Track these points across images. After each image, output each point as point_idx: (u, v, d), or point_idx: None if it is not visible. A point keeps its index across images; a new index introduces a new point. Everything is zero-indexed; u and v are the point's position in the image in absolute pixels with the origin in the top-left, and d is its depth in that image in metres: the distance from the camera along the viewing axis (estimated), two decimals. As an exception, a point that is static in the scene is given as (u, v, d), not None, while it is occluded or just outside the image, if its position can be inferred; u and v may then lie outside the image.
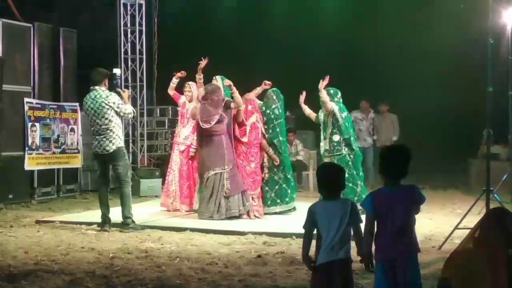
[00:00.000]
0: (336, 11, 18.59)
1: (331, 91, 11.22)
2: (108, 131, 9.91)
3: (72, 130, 14.21)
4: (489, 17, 9.95)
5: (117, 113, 9.96)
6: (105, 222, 10.05)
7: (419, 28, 17.72)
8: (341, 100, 11.27)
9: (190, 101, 11.79)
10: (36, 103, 13.40)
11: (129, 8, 16.17)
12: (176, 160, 11.87)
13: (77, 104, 14.39)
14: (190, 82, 11.84)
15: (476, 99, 11.35)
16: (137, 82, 16.15)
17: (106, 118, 9.89)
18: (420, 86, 18.19)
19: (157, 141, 16.95)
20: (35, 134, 13.24)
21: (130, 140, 16.11)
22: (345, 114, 11.21)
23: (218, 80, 11.29)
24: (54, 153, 13.71)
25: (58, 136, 13.83)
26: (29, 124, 13.12)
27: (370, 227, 5.26)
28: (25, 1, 16.08)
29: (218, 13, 19.51)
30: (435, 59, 17.78)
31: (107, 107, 9.86)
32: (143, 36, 16.22)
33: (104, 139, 9.91)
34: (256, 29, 18.95)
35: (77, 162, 14.38)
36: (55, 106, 13.87)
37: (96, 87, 9.99)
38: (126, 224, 9.93)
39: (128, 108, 10.10)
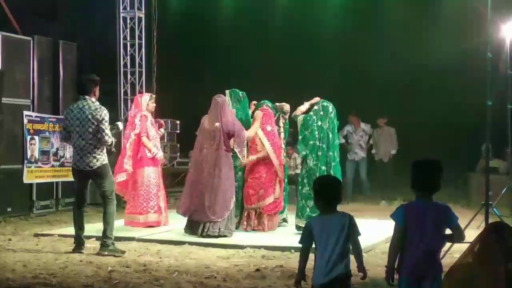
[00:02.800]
0: (337, 25, 18.61)
1: (324, 103, 10.97)
2: (92, 146, 9.08)
3: (71, 143, 14.18)
4: (487, 31, 9.98)
5: (99, 129, 9.04)
6: (81, 244, 9.33)
7: (418, 42, 17.73)
8: (324, 114, 10.97)
9: None
10: (36, 116, 13.41)
11: (128, 21, 16.21)
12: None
13: (76, 117, 14.37)
14: None
15: (476, 113, 11.36)
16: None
17: (91, 133, 9.03)
18: (419, 99, 18.20)
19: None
20: (34, 147, 13.24)
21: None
22: (308, 131, 10.92)
23: (227, 95, 11.28)
24: (53, 166, 13.69)
25: (57, 149, 13.82)
26: (28, 137, 13.13)
27: (397, 240, 5.19)
28: (25, 14, 16.09)
29: (218, 26, 19.54)
30: (434, 73, 17.81)
31: (93, 120, 9.02)
32: (143, 49, 16.25)
33: (88, 155, 9.06)
34: (255, 43, 18.98)
35: (76, 175, 14.33)
36: (55, 119, 13.86)
37: (86, 97, 9.14)
38: (105, 245, 9.12)
39: (111, 137, 9.17)
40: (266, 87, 15.33)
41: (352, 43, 18.66)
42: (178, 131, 17.13)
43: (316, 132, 10.64)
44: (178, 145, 17.17)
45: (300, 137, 10.77)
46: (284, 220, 11.60)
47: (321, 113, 10.74)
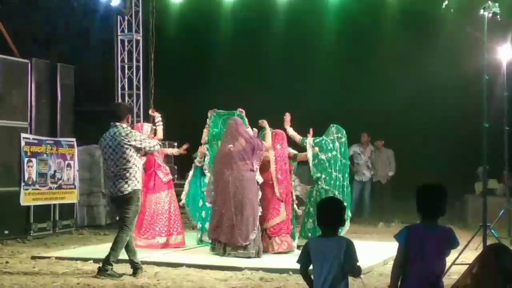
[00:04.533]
0: (333, 48, 18.68)
1: (334, 127, 11.26)
2: (125, 172, 9.12)
3: (68, 165, 14.20)
4: (484, 54, 10.04)
5: (138, 151, 9.28)
6: (137, 268, 9.26)
7: (415, 65, 17.80)
8: (330, 139, 11.17)
9: None
10: (33, 139, 13.41)
11: (126, 44, 16.28)
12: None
13: (73, 139, 14.43)
14: None
15: (473, 134, 11.40)
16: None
17: (124, 158, 9.11)
18: (416, 121, 18.25)
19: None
20: (31, 170, 13.23)
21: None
22: (326, 155, 11.10)
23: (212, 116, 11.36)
24: (50, 188, 13.68)
25: (55, 171, 13.82)
26: (26, 160, 13.12)
27: (400, 260, 5.21)
28: (23, 37, 16.16)
29: (214, 49, 19.60)
30: (431, 95, 17.87)
31: (126, 146, 9.10)
32: (140, 72, 16.30)
33: (120, 180, 9.11)
34: (252, 66, 19.01)
35: (73, 198, 14.34)
36: (52, 142, 13.87)
37: (117, 124, 9.23)
38: (104, 270, 9.08)
39: (152, 142, 9.50)
40: (262, 109, 15.32)
41: (349, 66, 18.73)
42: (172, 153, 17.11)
43: (331, 157, 10.92)
44: (176, 167, 17.15)
45: (315, 161, 10.90)
46: None
47: (334, 136, 11.01)
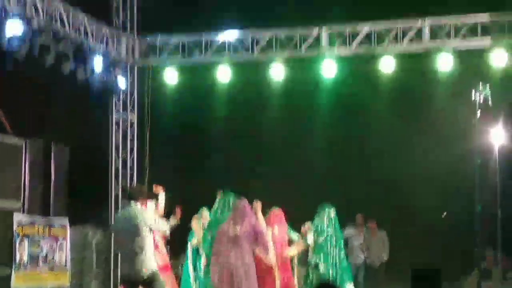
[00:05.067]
0: (326, 133, 18.76)
1: (326, 209, 11.27)
2: (141, 252, 8.93)
3: (60, 246, 14.09)
4: (476, 138, 10.13)
5: (151, 231, 9.16)
6: None
7: (408, 145, 17.87)
8: (324, 218, 11.20)
9: None
10: (25, 220, 13.34)
11: (121, 123, 16.35)
12: None
13: (66, 219, 14.36)
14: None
15: (466, 218, 11.41)
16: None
17: (140, 238, 8.95)
18: (410, 203, 18.19)
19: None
20: (23, 251, 13.11)
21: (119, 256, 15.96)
22: (323, 237, 11.11)
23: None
24: (42, 270, 13.53)
25: (47, 252, 13.70)
26: (17, 240, 13.02)
27: None
28: (18, 117, 16.23)
29: (211, 129, 19.63)
30: (424, 177, 17.84)
31: (142, 226, 8.96)
32: (135, 151, 16.34)
33: (137, 262, 8.91)
34: (248, 145, 19.03)
35: (65, 280, 14.17)
36: (44, 222, 13.79)
37: (132, 202, 9.19)
38: None
39: (164, 225, 9.52)
40: (258, 189, 15.33)
41: (343, 145, 18.77)
42: (169, 234, 17.01)
43: (328, 239, 10.96)
44: (168, 247, 17.03)
45: (313, 246, 10.89)
46: None
47: (325, 215, 11.03)
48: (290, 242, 11.47)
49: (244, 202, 10.56)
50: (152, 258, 9.10)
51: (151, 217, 9.20)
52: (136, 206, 9.12)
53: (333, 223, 11.26)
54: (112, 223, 9.37)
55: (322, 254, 10.98)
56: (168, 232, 9.73)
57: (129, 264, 9.01)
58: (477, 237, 10.03)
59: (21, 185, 13.58)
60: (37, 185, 14.01)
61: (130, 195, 9.36)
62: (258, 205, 10.98)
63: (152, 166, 16.73)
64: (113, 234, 9.43)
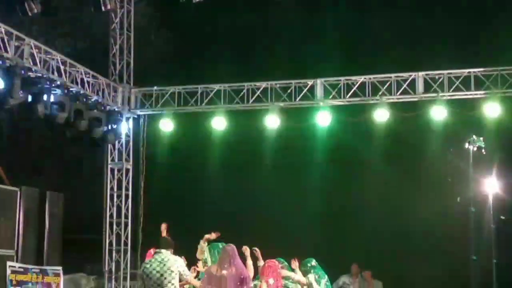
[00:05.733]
0: (322, 179, 18.80)
1: (311, 263, 11.31)
2: None
3: (54, 294, 14.01)
4: (470, 186, 10.19)
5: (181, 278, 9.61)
6: None
7: (401, 195, 17.91)
8: (316, 265, 11.25)
9: None
10: (19, 267, 13.28)
11: (116, 172, 16.37)
12: None
13: (60, 268, 14.29)
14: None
15: (461, 267, 11.39)
16: (121, 246, 16.08)
17: (173, 284, 9.41)
18: (404, 253, 18.16)
19: (140, 306, 16.67)
20: (16, 299, 13.03)
21: (113, 305, 15.89)
22: (324, 280, 11.18)
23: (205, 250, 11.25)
24: (34, 319, 13.44)
25: (40, 301, 13.62)
26: (11, 288, 12.95)
27: None
28: (13, 163, 16.29)
29: (205, 177, 19.69)
30: (418, 228, 17.84)
31: (176, 271, 9.45)
32: (129, 200, 16.33)
33: None
34: (244, 193, 19.04)
35: (58, 328, 14.08)
36: (38, 270, 13.72)
37: (163, 251, 9.61)
38: None
39: (190, 272, 10.02)
40: (252, 236, 15.27)
41: (339, 194, 18.82)
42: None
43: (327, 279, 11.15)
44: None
45: None
46: None
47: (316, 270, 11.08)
48: None
49: (232, 246, 10.60)
50: None
51: (184, 265, 9.70)
52: (167, 252, 9.56)
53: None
54: (145, 266, 9.50)
55: None
56: (189, 279, 10.05)
57: None
58: (473, 286, 9.99)
59: (15, 233, 13.54)
60: (31, 233, 13.97)
61: (162, 244, 9.73)
62: (246, 251, 10.96)
63: (147, 214, 16.71)
64: (143, 277, 9.47)
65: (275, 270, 11.08)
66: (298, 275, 11.09)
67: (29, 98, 12.82)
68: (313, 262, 11.35)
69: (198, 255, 11.59)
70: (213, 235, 11.58)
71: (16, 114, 13.30)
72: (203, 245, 11.52)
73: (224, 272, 10.17)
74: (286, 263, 11.35)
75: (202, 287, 10.46)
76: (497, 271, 11.46)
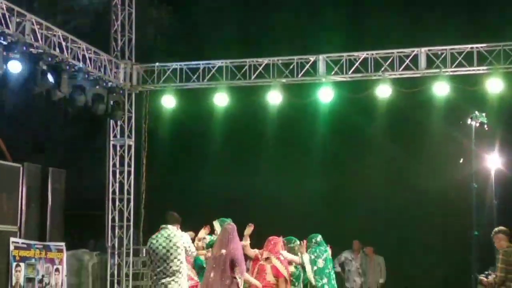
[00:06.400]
0: (324, 154, 18.81)
1: (317, 238, 11.26)
2: (178, 273, 9.28)
3: (56, 270, 14.06)
4: (472, 162, 10.18)
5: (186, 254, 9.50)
6: None
7: (404, 171, 17.94)
8: (320, 241, 11.19)
9: None
10: (22, 243, 13.32)
11: (118, 149, 16.38)
12: None
13: (63, 243, 14.34)
14: None
15: (463, 242, 11.41)
16: (124, 222, 16.13)
17: (179, 260, 9.29)
18: (406, 228, 18.21)
19: (143, 282, 16.72)
20: (19, 274, 13.07)
21: (116, 281, 15.92)
22: (323, 256, 11.10)
23: (217, 225, 11.18)
24: (37, 294, 13.51)
25: (43, 276, 13.67)
26: (14, 264, 12.99)
27: None
28: (16, 140, 16.30)
29: (207, 153, 19.71)
30: (420, 203, 17.89)
31: (182, 247, 9.33)
32: (132, 176, 16.35)
33: (173, 282, 9.24)
34: (245, 168, 19.06)
35: (60, 303, 14.17)
36: (41, 246, 13.77)
37: (169, 226, 9.49)
38: None
39: (194, 248, 9.88)
40: (253, 212, 15.32)
41: (340, 170, 18.84)
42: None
43: (326, 258, 11.05)
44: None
45: (315, 268, 10.81)
46: None
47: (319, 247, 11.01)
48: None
49: (232, 225, 10.54)
50: (185, 278, 9.40)
51: (190, 241, 9.54)
52: (173, 228, 9.45)
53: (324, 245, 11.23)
54: (152, 241, 9.43)
55: (325, 277, 10.94)
56: (194, 254, 9.97)
57: (165, 285, 9.27)
58: (474, 261, 10.03)
59: (18, 209, 13.57)
60: (34, 209, 14.00)
61: (168, 220, 9.57)
62: (250, 228, 10.95)
63: (149, 191, 16.75)
64: (149, 253, 9.42)
65: (276, 244, 11.06)
66: (290, 255, 11.05)
67: (32, 75, 12.78)
68: (318, 238, 11.31)
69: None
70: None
71: (18, 91, 13.26)
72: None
73: (223, 251, 10.16)
74: (298, 242, 11.34)
75: (208, 270, 10.26)
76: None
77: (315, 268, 11.02)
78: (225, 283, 10.06)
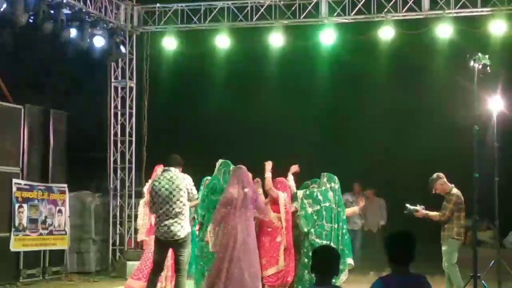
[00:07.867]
0: (326, 97, 18.75)
1: (324, 179, 11.06)
2: (181, 215, 9.39)
3: (59, 211, 14.18)
4: (474, 104, 10.15)
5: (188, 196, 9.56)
6: None
7: (406, 113, 17.91)
8: (322, 190, 10.96)
9: None
10: (25, 184, 13.40)
11: (119, 91, 16.35)
12: None
13: (65, 185, 14.43)
14: None
15: (463, 185, 11.43)
16: (126, 164, 16.18)
17: (181, 202, 9.40)
18: (408, 171, 18.26)
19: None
20: (22, 215, 13.19)
21: (118, 222, 16.04)
22: (313, 208, 10.83)
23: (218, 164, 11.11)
24: (41, 234, 13.63)
25: (46, 217, 13.79)
26: (17, 205, 13.09)
27: None
28: (17, 82, 16.24)
29: (209, 97, 19.65)
30: (422, 144, 17.90)
31: (184, 189, 9.43)
32: (133, 118, 16.35)
33: (176, 224, 9.35)
34: (246, 112, 19.02)
35: (64, 244, 14.29)
36: (43, 187, 13.86)
37: (171, 168, 9.59)
38: None
39: (196, 193, 9.85)
40: (255, 155, 15.31)
41: (342, 112, 18.82)
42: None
43: (319, 209, 10.64)
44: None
45: (303, 212, 10.64)
46: None
47: (327, 186, 10.83)
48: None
49: (242, 168, 10.38)
50: (188, 220, 9.53)
51: (191, 182, 9.59)
52: (176, 170, 9.55)
53: (331, 194, 10.98)
54: (154, 183, 9.50)
55: (313, 225, 10.57)
56: (196, 197, 9.85)
57: (168, 226, 9.35)
58: (474, 204, 10.08)
59: (20, 150, 13.61)
60: (36, 150, 14.05)
61: (171, 162, 9.66)
62: (268, 164, 10.82)
63: (150, 133, 16.75)
64: (152, 195, 9.46)
65: (285, 186, 10.96)
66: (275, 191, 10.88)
67: (34, 16, 12.70)
68: (334, 184, 11.09)
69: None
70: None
71: (20, 32, 13.14)
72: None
73: (246, 190, 10.03)
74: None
75: (219, 210, 10.04)
76: (499, 189, 11.53)
77: (303, 213, 10.71)
78: (249, 224, 9.97)
